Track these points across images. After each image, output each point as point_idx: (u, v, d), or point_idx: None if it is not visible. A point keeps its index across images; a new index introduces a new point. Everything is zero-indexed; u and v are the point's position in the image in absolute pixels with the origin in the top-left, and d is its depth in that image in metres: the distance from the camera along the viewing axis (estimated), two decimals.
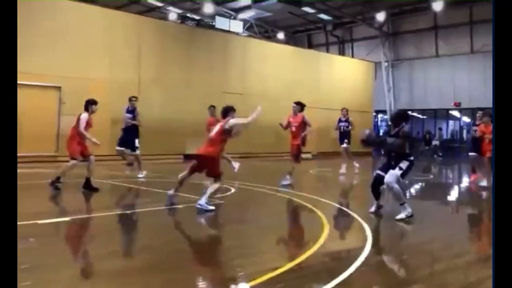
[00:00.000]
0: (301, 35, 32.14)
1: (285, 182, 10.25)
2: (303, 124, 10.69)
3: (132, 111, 11.44)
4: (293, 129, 10.64)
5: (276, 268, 4.09)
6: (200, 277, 4.13)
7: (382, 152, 7.30)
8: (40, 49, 15.09)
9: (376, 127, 30.52)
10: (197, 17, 28.17)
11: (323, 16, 28.42)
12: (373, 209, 7.05)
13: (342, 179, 13.10)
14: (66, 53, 15.61)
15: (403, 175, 6.72)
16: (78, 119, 8.64)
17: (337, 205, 8.27)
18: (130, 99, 11.57)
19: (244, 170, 12.00)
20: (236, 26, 26.39)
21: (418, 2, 25.50)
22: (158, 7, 26.68)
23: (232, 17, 27.14)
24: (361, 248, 4.85)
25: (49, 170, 8.70)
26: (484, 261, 4.72)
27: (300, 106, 10.74)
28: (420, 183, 13.03)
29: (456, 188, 11.54)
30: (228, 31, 24.73)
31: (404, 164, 6.66)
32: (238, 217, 6.99)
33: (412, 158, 6.79)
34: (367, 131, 7.33)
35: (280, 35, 30.77)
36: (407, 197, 8.64)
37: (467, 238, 6.47)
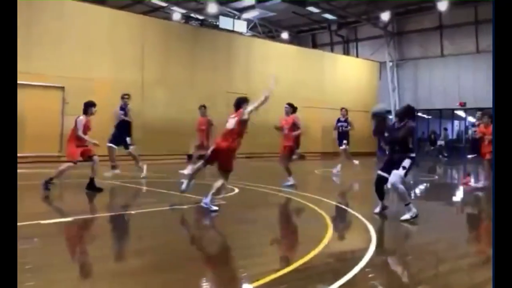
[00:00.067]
0: (305, 34, 32.08)
1: (288, 183, 10.20)
2: (294, 126, 10.55)
3: (124, 108, 11.42)
4: (285, 131, 10.55)
5: (279, 269, 4.07)
6: (203, 278, 4.11)
7: (385, 144, 7.12)
8: (44, 50, 15.14)
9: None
10: (201, 17, 28.16)
11: (327, 15, 28.35)
12: (377, 209, 7.01)
13: (342, 179, 13.05)
14: (70, 53, 15.66)
15: (406, 174, 6.67)
16: (75, 123, 8.53)
17: (341, 206, 8.23)
18: (122, 97, 11.54)
19: (248, 171, 11.99)
20: (240, 26, 26.35)
21: (423, 2, 25.39)
22: (162, 7, 26.68)
23: (236, 17, 27.11)
24: (366, 249, 4.82)
25: (52, 170, 8.68)
26: (489, 262, 4.67)
27: (292, 107, 10.62)
28: (425, 184, 12.98)
29: (461, 188, 11.46)
30: (232, 31, 24.71)
31: (407, 163, 6.60)
32: (242, 217, 6.97)
33: (414, 155, 6.73)
34: (382, 106, 7.19)
35: (284, 35, 30.71)
36: (412, 197, 8.59)
37: (472, 239, 6.42)
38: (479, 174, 11.64)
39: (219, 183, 6.95)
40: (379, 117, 7.01)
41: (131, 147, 11.37)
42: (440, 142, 26.97)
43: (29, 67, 14.60)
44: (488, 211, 8.70)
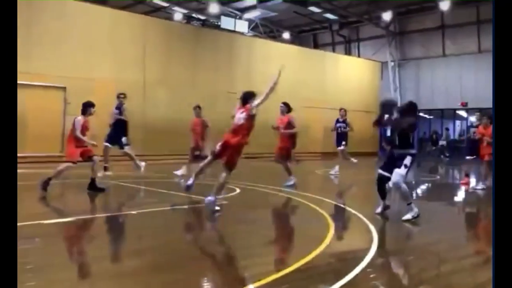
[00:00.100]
0: (307, 34, 32.06)
1: (289, 183, 10.18)
2: (289, 125, 10.47)
3: (119, 107, 11.41)
4: (281, 130, 10.51)
5: (281, 269, 4.06)
6: (204, 278, 4.10)
7: (389, 133, 7.01)
8: (45, 50, 15.15)
9: (383, 128, 30.36)
10: (202, 17, 28.17)
11: (329, 15, 28.32)
12: (379, 209, 6.98)
13: (344, 179, 13.03)
14: (71, 53, 15.67)
15: (407, 172, 6.64)
16: (73, 123, 8.47)
17: (342, 206, 8.22)
18: (118, 96, 11.54)
19: (248, 171, 11.98)
20: (242, 26, 26.35)
21: (425, 2, 25.36)
22: (164, 7, 26.70)
23: (237, 17, 27.11)
24: (367, 249, 4.81)
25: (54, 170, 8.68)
26: (491, 262, 4.67)
27: (287, 107, 10.56)
28: (427, 184, 12.96)
29: (463, 189, 11.44)
30: (234, 31, 24.71)
31: (408, 161, 6.55)
32: (243, 217, 6.96)
33: (414, 151, 6.69)
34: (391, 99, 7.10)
35: (286, 35, 30.70)
36: (414, 198, 8.57)
37: (474, 239, 6.41)
38: (479, 175, 11.57)
39: (222, 178, 6.90)
40: (388, 106, 6.93)
41: (126, 147, 11.32)
42: (442, 142, 26.92)
43: (31, 67, 14.61)
44: (490, 211, 8.69)
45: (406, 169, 6.54)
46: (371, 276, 4.13)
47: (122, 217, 6.95)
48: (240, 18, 27.26)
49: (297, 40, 30.96)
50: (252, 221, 6.72)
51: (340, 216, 7.41)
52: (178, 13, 27.46)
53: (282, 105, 10.66)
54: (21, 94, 14.16)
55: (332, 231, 5.74)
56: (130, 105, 16.22)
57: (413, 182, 11.64)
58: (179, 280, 3.95)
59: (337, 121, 14.04)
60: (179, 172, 11.65)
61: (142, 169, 11.27)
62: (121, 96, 11.53)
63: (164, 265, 4.33)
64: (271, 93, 7.14)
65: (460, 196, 10.90)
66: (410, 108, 6.84)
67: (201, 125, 11.93)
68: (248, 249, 5.08)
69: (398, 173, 6.52)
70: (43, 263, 4.27)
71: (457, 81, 25.98)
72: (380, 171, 6.88)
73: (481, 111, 13.08)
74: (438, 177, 16.02)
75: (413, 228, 6.43)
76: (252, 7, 26.73)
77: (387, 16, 25.98)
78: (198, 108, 12.12)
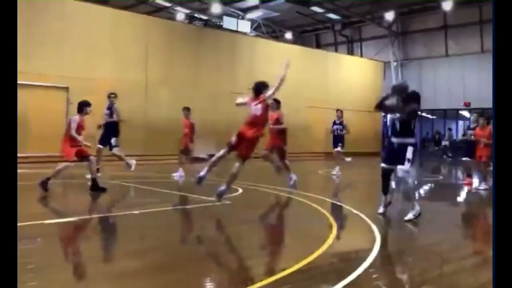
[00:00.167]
0: (309, 34, 32.04)
1: (291, 182, 10.13)
2: (277, 122, 10.25)
3: (110, 107, 11.18)
4: (270, 126, 10.41)
5: (283, 269, 4.05)
6: (206, 278, 4.09)
7: (393, 118, 6.93)
8: (47, 50, 15.19)
9: (385, 127, 30.34)
10: (204, 17, 28.19)
11: (331, 15, 28.30)
12: (381, 209, 6.93)
13: (346, 179, 13.02)
14: (73, 53, 15.70)
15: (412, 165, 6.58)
16: (69, 122, 8.44)
17: (345, 206, 8.20)
18: (108, 96, 11.30)
19: (250, 171, 11.96)
20: (244, 26, 26.35)
21: (427, 2, 25.33)
22: (166, 7, 26.72)
23: (239, 17, 27.12)
24: (369, 249, 4.79)
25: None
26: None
27: (277, 103, 10.36)
28: (430, 184, 12.94)
29: (465, 189, 11.41)
30: (236, 31, 24.72)
31: (410, 153, 6.47)
32: (245, 217, 6.95)
33: (415, 141, 6.62)
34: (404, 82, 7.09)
35: (288, 35, 30.69)
36: (416, 198, 8.55)
37: (476, 239, 6.39)
38: (480, 176, 11.53)
39: (235, 169, 6.89)
40: (397, 89, 6.77)
41: (115, 149, 11.13)
42: (445, 143, 26.88)
43: (32, 67, 14.65)
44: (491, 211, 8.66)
45: (409, 164, 6.48)
46: (374, 276, 4.11)
47: (124, 217, 6.94)
48: (243, 18, 27.27)
49: (299, 40, 30.95)
50: (254, 221, 6.71)
51: (342, 216, 7.39)
52: (180, 13, 27.47)
53: (272, 101, 10.56)
54: (23, 94, 14.22)
55: (334, 231, 5.73)
56: (132, 105, 16.31)
57: (416, 182, 11.61)
58: (181, 280, 3.95)
59: (334, 123, 13.96)
60: (176, 174, 11.61)
61: (133, 167, 11.12)
62: (111, 96, 11.27)
63: (166, 265, 4.33)
64: (282, 84, 7.09)
65: (462, 196, 10.87)
66: (413, 97, 6.74)
67: (189, 126, 11.90)
68: (250, 249, 5.08)
69: (403, 170, 6.45)
70: (45, 263, 4.27)
71: (459, 81, 25.93)
72: (383, 164, 6.84)
73: (484, 111, 13.03)
74: (441, 177, 15.99)
75: (416, 228, 6.41)
76: (255, 7, 26.73)
77: (389, 16, 25.96)
78: (186, 109, 12.04)
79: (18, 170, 4.17)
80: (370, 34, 29.54)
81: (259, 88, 7.17)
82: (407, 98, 6.65)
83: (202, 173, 7.11)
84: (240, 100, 7.55)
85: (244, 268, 4.36)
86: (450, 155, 25.80)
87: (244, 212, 7.33)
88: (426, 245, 5.51)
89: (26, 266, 3.87)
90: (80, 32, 15.97)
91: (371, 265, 4.27)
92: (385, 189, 6.90)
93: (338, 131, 13.77)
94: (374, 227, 5.96)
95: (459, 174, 17.79)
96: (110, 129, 11.12)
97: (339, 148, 13.75)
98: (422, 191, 11.02)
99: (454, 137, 28.08)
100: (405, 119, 6.57)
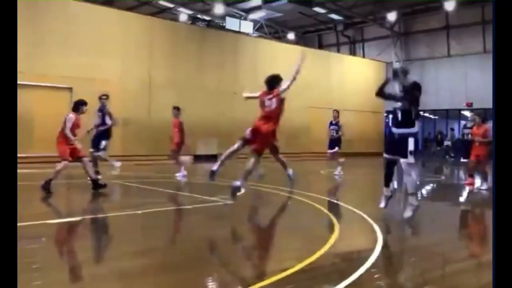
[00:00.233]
0: (312, 35, 32.04)
1: (291, 174, 10.00)
2: None
3: (101, 110, 10.70)
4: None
5: (285, 269, 4.07)
6: (209, 278, 4.12)
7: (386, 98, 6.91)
8: (51, 51, 15.24)
9: (388, 127, 30.32)
10: (207, 18, 28.21)
11: (333, 16, 28.30)
12: (383, 204, 6.88)
13: (348, 179, 13.02)
14: (78, 54, 15.75)
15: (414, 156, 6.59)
16: (64, 120, 8.37)
17: (347, 206, 8.21)
18: (100, 98, 10.81)
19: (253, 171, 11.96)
20: (247, 26, 26.37)
21: (429, 2, 25.29)
22: (169, 8, 26.77)
23: (242, 18, 27.13)
24: (372, 249, 4.81)
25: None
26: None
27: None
28: (432, 184, 12.93)
29: (467, 189, 11.40)
30: (239, 32, 24.73)
31: (411, 145, 6.44)
32: (248, 217, 6.97)
33: (416, 130, 6.58)
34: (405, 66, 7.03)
35: (291, 36, 30.69)
36: (419, 198, 8.55)
37: (478, 239, 6.39)
38: (480, 177, 11.51)
39: (251, 164, 6.85)
40: (398, 72, 6.77)
41: (101, 152, 10.65)
42: (447, 143, 26.83)
43: (37, 68, 14.71)
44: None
45: (412, 156, 6.47)
46: (376, 276, 4.13)
47: (127, 217, 6.98)
48: (245, 19, 27.29)
49: (302, 40, 30.96)
50: (257, 221, 6.74)
51: (344, 216, 7.40)
52: (184, 14, 27.52)
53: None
54: (27, 95, 14.29)
55: (336, 231, 5.75)
56: (136, 105, 16.34)
57: (418, 183, 11.60)
58: (185, 279, 3.97)
59: (331, 123, 13.89)
60: (180, 174, 11.64)
61: (118, 168, 10.95)
62: (103, 98, 10.80)
63: (170, 265, 4.35)
64: (297, 77, 7.06)
65: (464, 196, 10.87)
66: (414, 88, 6.74)
67: (179, 126, 11.89)
68: (253, 249, 5.10)
69: (406, 163, 6.44)
70: (49, 262, 4.31)
71: (462, 82, 25.89)
72: (386, 155, 6.83)
73: (486, 111, 13.00)
74: (443, 177, 15.97)
75: (418, 229, 6.42)
76: (257, 8, 26.76)
77: (392, 16, 25.94)
78: (176, 109, 11.99)
79: (23, 170, 4.21)
80: (372, 34, 29.53)
81: (273, 82, 7.11)
82: (408, 89, 6.66)
83: (214, 167, 7.07)
84: (249, 94, 7.50)
85: (246, 268, 4.38)
86: (452, 155, 25.76)
87: (247, 212, 7.36)
88: (428, 245, 5.52)
89: (30, 266, 3.91)
90: (84, 33, 16.03)
91: (373, 265, 4.29)
92: (388, 178, 6.84)
93: (334, 133, 13.66)
94: (376, 227, 5.98)
95: (461, 174, 17.79)
96: (102, 132, 10.69)
97: (336, 149, 13.68)
98: (424, 192, 11.02)
99: (457, 137, 28.06)
100: (406, 108, 6.57)
